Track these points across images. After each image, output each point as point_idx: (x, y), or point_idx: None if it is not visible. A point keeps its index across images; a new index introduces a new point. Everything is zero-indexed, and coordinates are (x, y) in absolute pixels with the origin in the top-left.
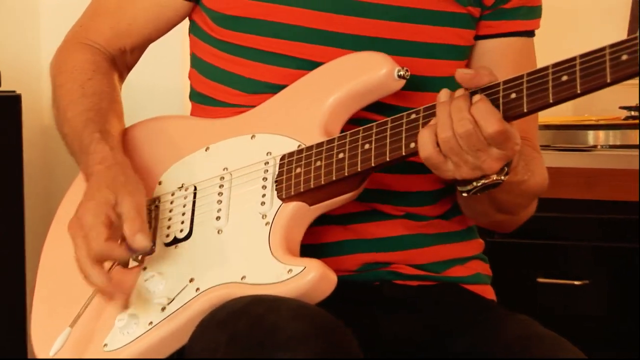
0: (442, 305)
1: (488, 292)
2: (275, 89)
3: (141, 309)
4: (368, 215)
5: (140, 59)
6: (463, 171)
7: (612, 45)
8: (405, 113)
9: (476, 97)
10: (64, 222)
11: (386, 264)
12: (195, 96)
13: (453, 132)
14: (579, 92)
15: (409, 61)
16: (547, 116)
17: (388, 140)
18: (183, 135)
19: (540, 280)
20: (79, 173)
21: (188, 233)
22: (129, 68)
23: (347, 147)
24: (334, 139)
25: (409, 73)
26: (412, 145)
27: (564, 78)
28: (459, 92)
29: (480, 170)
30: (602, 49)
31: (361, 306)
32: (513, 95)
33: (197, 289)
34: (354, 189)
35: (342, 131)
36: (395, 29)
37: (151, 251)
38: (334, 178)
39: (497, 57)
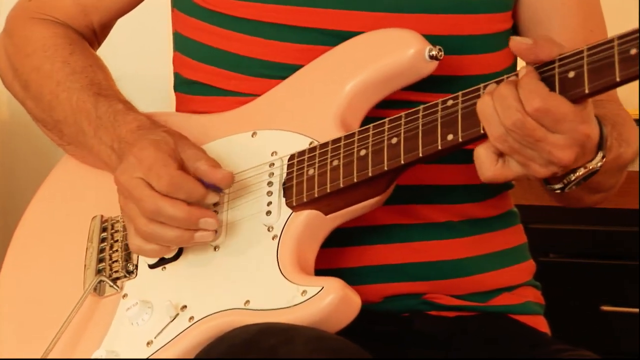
0: (486, 340)
1: (540, 323)
2: (285, 70)
3: (122, 345)
4: (395, 230)
5: (120, 42)
6: (534, 170)
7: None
8: (439, 100)
9: (522, 71)
10: (31, 232)
11: (418, 295)
12: (183, 85)
13: (505, 128)
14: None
15: (444, 19)
16: None
17: (420, 132)
18: None
19: (605, 308)
20: (42, 173)
21: (177, 252)
22: (98, 45)
23: (370, 142)
24: (353, 133)
25: (443, 53)
26: (450, 137)
27: (633, 52)
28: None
29: (553, 165)
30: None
31: (387, 341)
32: (571, 74)
33: (191, 318)
34: (379, 193)
35: (363, 122)
36: None
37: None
38: (355, 180)
39: (557, 3)
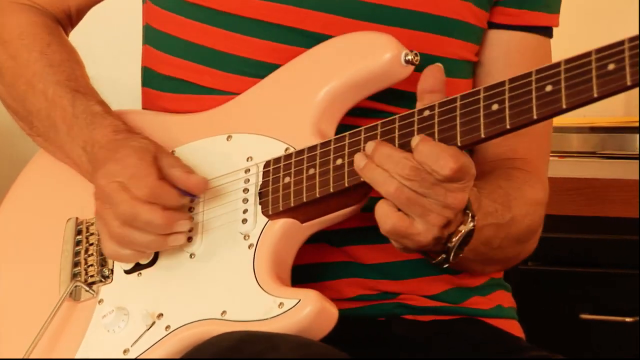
0: (464, 345)
1: (514, 328)
2: (262, 69)
3: (99, 353)
4: (368, 233)
5: (92, 39)
6: (433, 220)
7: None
8: (416, 110)
9: (414, 140)
10: (3, 233)
11: (393, 295)
12: (152, 80)
13: (399, 181)
14: (564, 107)
15: (419, 36)
16: (594, 116)
17: (397, 142)
18: None
19: (584, 316)
20: (13, 173)
21: (153, 258)
22: (71, 28)
23: (346, 151)
24: (329, 141)
25: (419, 58)
26: None
27: (548, 89)
28: (370, 145)
29: (449, 208)
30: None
31: (365, 347)
32: (495, 107)
33: (167, 327)
34: (355, 202)
35: (338, 129)
36: None
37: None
38: (331, 190)
39: (514, 54)
